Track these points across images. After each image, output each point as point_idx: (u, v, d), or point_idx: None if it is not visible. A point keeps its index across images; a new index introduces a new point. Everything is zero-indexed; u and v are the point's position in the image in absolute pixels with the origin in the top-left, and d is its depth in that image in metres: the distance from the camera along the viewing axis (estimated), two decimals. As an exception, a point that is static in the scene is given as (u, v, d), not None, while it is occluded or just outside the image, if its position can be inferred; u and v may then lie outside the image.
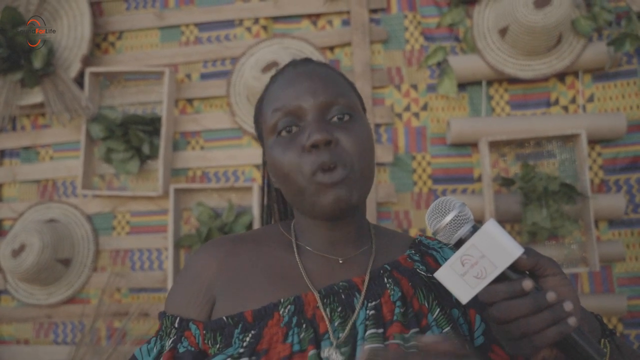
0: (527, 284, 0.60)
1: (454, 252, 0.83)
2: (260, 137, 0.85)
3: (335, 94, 0.76)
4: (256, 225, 2.15)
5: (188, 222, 2.32)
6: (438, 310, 0.75)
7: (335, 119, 0.75)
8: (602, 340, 0.67)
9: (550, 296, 0.60)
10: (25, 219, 2.38)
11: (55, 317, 2.34)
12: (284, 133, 0.76)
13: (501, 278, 0.63)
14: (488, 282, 0.63)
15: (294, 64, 0.82)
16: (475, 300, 0.75)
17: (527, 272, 0.64)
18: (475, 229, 0.65)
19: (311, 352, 0.68)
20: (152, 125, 2.30)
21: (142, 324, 2.26)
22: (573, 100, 2.17)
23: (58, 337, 2.34)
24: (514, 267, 0.63)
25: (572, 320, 0.59)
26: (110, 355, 2.17)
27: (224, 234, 2.17)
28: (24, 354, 2.32)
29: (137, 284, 2.30)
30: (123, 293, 2.31)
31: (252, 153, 2.29)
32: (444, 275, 0.65)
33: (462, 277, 0.64)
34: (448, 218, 0.66)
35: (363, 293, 0.74)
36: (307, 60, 0.83)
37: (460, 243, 0.66)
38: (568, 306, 0.60)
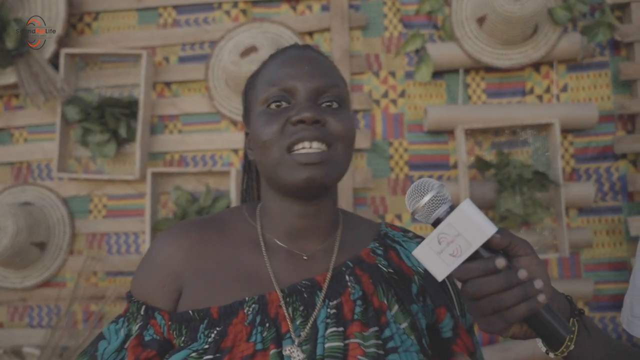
0: (500, 262, 0.63)
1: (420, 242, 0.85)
2: (246, 112, 0.86)
3: (330, 82, 0.79)
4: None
5: (165, 206, 2.31)
6: (397, 306, 0.78)
7: (325, 104, 0.78)
8: (571, 319, 0.70)
9: (522, 274, 0.62)
10: (-1, 201, 2.35)
11: (30, 301, 2.33)
12: (273, 106, 0.78)
13: (476, 256, 0.65)
14: (463, 260, 0.65)
15: (296, 46, 0.85)
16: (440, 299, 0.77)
17: (502, 252, 0.66)
18: (452, 209, 0.67)
19: (272, 351, 0.70)
20: (129, 108, 2.28)
21: (118, 308, 2.25)
22: (547, 90, 2.21)
23: (33, 321, 2.33)
24: (489, 246, 0.65)
25: (541, 297, 0.62)
26: (87, 338, 2.17)
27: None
28: (-1, 337, 2.31)
29: (114, 267, 2.29)
30: (99, 277, 2.31)
31: (230, 137, 2.28)
32: (421, 253, 0.66)
33: (439, 255, 0.65)
34: (426, 198, 0.68)
35: (324, 291, 0.76)
36: (308, 47, 0.86)
37: (437, 222, 0.67)
38: (538, 284, 0.62)
